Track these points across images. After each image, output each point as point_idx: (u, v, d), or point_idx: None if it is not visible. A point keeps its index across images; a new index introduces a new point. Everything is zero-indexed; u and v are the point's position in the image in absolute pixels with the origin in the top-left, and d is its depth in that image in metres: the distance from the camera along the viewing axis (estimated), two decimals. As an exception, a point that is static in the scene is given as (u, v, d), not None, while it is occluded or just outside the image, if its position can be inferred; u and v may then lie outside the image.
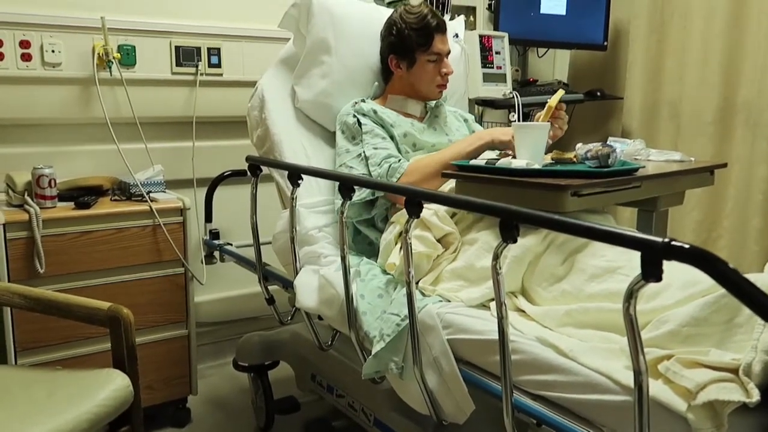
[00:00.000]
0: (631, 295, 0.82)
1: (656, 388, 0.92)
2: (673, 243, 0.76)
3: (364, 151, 1.66)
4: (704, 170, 1.67)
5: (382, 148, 1.66)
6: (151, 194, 2.01)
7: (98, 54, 2.07)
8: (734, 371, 0.91)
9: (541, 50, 3.10)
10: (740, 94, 2.43)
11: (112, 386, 1.34)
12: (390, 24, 1.82)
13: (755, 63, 2.37)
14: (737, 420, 0.87)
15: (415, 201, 1.19)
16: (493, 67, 2.57)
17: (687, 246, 0.76)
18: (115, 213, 1.89)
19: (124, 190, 2.03)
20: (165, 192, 2.12)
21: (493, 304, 1.26)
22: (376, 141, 1.68)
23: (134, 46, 2.15)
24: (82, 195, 1.92)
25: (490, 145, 1.62)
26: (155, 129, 2.24)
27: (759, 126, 2.37)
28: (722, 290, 1.00)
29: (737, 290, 0.71)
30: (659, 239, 0.78)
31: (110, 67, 2.09)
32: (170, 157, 2.26)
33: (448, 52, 1.80)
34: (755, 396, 0.85)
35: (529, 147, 1.46)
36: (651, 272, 0.79)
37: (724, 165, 1.75)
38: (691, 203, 2.51)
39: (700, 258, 0.74)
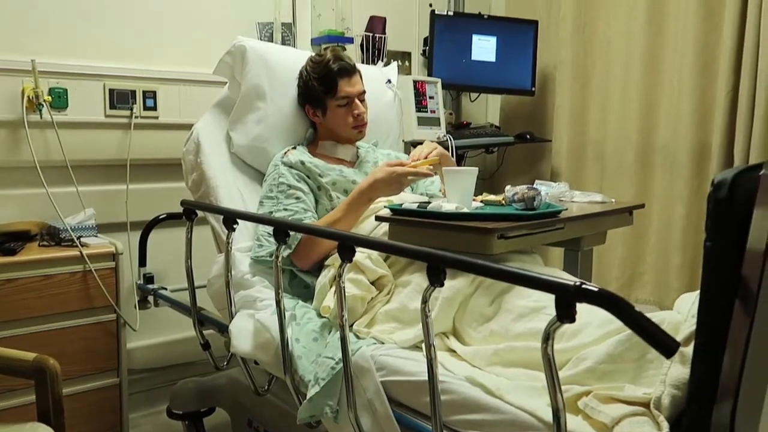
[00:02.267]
0: (548, 336, 0.87)
1: (576, 424, 0.96)
2: (584, 286, 0.81)
3: (272, 212, 1.69)
4: (623, 211, 1.77)
5: (292, 211, 1.68)
6: (81, 239, 1.97)
7: (28, 97, 2.03)
8: (646, 405, 0.96)
9: (473, 94, 3.22)
10: (658, 137, 2.59)
11: (35, 442, 1.29)
12: (299, 75, 1.87)
13: (670, 107, 2.54)
14: (650, 452, 0.92)
15: (347, 245, 1.22)
16: (427, 111, 2.66)
17: (596, 289, 0.81)
18: (43, 259, 1.84)
19: (53, 236, 1.98)
20: (97, 236, 2.08)
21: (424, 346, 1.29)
22: (289, 202, 1.70)
23: (66, 89, 2.13)
24: (7, 241, 1.87)
25: (372, 193, 1.63)
26: (87, 172, 2.20)
27: (675, 167, 2.53)
28: (634, 328, 1.07)
29: (640, 329, 0.77)
30: (571, 282, 0.83)
31: (41, 110, 2.06)
32: (103, 201, 2.22)
33: (360, 93, 1.83)
34: (665, 429, 0.90)
35: (459, 191, 1.52)
36: (565, 314, 0.84)
37: (642, 206, 1.86)
38: (617, 241, 2.63)
39: (607, 300, 0.80)
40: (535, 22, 3.00)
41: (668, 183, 2.55)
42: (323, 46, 2.58)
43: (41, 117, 2.06)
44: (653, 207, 2.56)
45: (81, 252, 1.88)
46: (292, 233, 1.59)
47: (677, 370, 0.94)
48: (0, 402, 1.77)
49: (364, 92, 1.85)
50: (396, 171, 1.60)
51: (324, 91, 1.80)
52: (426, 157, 1.68)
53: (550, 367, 0.87)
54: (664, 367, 0.97)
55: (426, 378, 1.11)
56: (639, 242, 2.64)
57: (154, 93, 2.30)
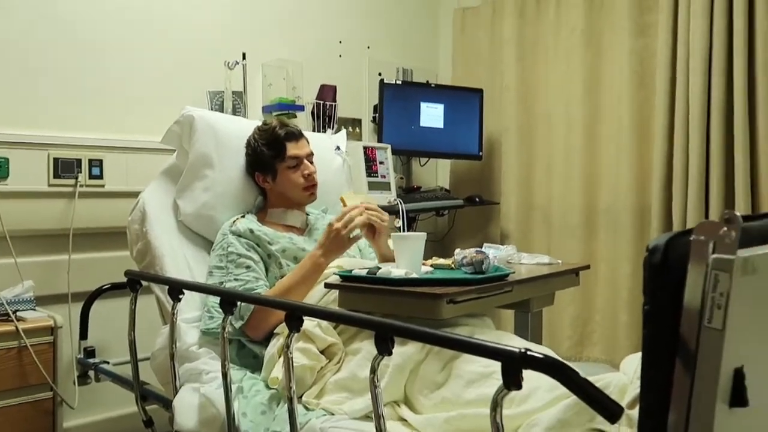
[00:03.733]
0: (496, 404, 0.86)
1: (529, 494, 0.95)
2: (529, 353, 0.82)
3: (223, 282, 1.67)
4: (570, 272, 1.80)
5: (244, 281, 1.67)
6: (18, 313, 1.88)
7: (-34, 167, 1.98)
8: (598, 471, 0.96)
9: (423, 159, 3.29)
10: (600, 200, 2.69)
11: None
12: (247, 144, 1.89)
13: (610, 171, 2.64)
14: None
15: (295, 315, 1.20)
16: (377, 176, 2.70)
17: (541, 356, 0.82)
18: (-25, 335, 1.75)
19: (-13, 310, 1.89)
20: (35, 309, 1.99)
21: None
22: (239, 271, 1.68)
23: (7, 159, 2.08)
24: (-63, 316, 1.77)
25: (320, 257, 1.63)
26: (28, 242, 2.13)
27: (619, 228, 2.61)
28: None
29: (585, 395, 0.77)
30: (516, 350, 0.83)
31: (-21, 180, 2.00)
32: (43, 271, 2.15)
33: (308, 154, 1.86)
34: (616, 494, 0.90)
35: (408, 256, 1.53)
36: (512, 381, 0.84)
37: (587, 267, 1.90)
38: (567, 300, 2.67)
39: (552, 367, 0.80)
40: (480, 91, 3.11)
41: (612, 243, 2.63)
42: (275, 113, 2.61)
43: (-21, 187, 2.00)
44: (599, 267, 2.62)
45: (17, 327, 1.80)
46: (242, 304, 1.56)
47: (625, 433, 0.94)
48: None
49: (312, 154, 1.87)
50: (333, 226, 1.62)
51: (273, 155, 1.81)
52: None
53: (498, 436, 0.86)
54: (613, 430, 0.97)
55: (377, 450, 1.09)
56: (588, 302, 2.69)
57: (101, 161, 2.27)
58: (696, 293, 0.83)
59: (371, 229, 1.73)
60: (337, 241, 1.63)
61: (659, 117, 2.45)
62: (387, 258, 1.76)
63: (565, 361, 0.84)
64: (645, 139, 2.53)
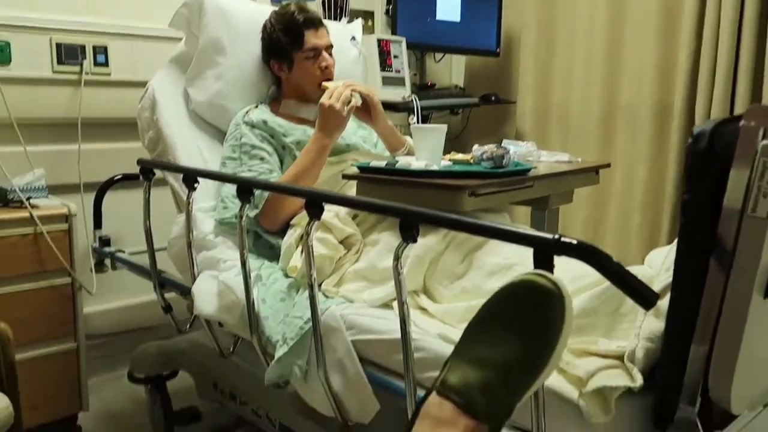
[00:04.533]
0: (525, 290, 0.85)
1: (551, 378, 0.95)
2: (563, 239, 0.80)
3: (236, 173, 1.64)
4: (590, 170, 1.77)
5: (257, 172, 1.63)
6: (31, 200, 1.87)
7: (-32, 50, 1.90)
8: (620, 358, 0.96)
9: (438, 55, 3.17)
10: (621, 97, 2.61)
11: (-11, 408, 1.23)
12: (263, 29, 1.80)
13: (633, 67, 2.54)
14: (625, 404, 0.92)
15: (315, 203, 1.18)
16: (392, 71, 2.61)
17: (575, 242, 0.80)
18: (-10, 221, 1.75)
19: (0, 197, 1.88)
20: (47, 198, 1.98)
21: (395, 303, 1.27)
22: (253, 162, 1.65)
23: (9, 42, 2.00)
24: (-49, 202, 1.77)
25: (322, 136, 1.60)
26: (36, 131, 2.09)
27: (638, 129, 2.55)
28: (608, 282, 1.07)
29: (620, 281, 0.76)
30: (550, 236, 0.82)
31: (-18, 64, 1.93)
32: (54, 161, 2.12)
33: (327, 46, 1.77)
34: (639, 381, 0.91)
35: (427, 149, 1.49)
36: (543, 268, 0.82)
37: (608, 165, 1.87)
38: (580, 201, 2.65)
39: (586, 252, 0.78)
40: (500, -19, 2.95)
41: (630, 144, 2.58)
42: (284, 1, 2.49)
43: (-17, 71, 1.94)
44: (616, 167, 2.58)
45: (31, 213, 1.79)
46: (257, 193, 1.54)
47: (651, 323, 0.94)
48: (-51, 369, 1.69)
49: (331, 46, 1.79)
50: (324, 104, 1.58)
51: (290, 42, 1.73)
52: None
53: (527, 321, 0.85)
54: (638, 320, 0.97)
55: (397, 336, 1.10)
56: (601, 203, 2.67)
57: (105, 48, 2.18)
58: (741, 182, 0.80)
59: (366, 110, 1.69)
60: (333, 117, 1.58)
61: (688, 10, 2.33)
62: (390, 138, 1.73)
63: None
64: (671, 33, 2.41)
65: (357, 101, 1.66)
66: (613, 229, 2.64)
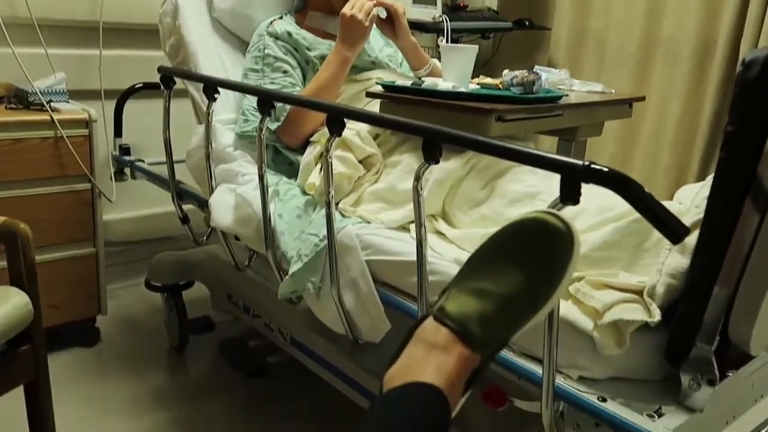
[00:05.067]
0: (548, 218, 0.82)
1: (566, 308, 0.94)
2: (593, 166, 0.76)
3: (260, 84, 1.59)
4: (623, 102, 1.70)
5: (280, 85, 1.59)
6: (52, 104, 1.85)
7: (-12, -57, 1.84)
8: (639, 293, 0.94)
9: (472, -27, 3.03)
10: (663, 28, 2.48)
11: (8, 304, 1.26)
12: None
13: (678, -3, 2.41)
14: (639, 339, 0.91)
15: (337, 118, 1.14)
16: (423, -12, 2.50)
17: (606, 169, 0.76)
18: (12, 122, 1.74)
19: (21, 98, 1.86)
20: (68, 102, 1.96)
21: (412, 226, 1.26)
22: (276, 75, 1.60)
23: (27, -64, 1.93)
24: (-28, 100, 1.75)
25: (343, 48, 1.54)
26: (57, 33, 2.05)
27: (677, 62, 2.43)
28: (634, 216, 1.03)
29: (650, 213, 0.73)
30: (579, 162, 0.78)
31: (2, -40, 1.87)
32: (74, 66, 2.09)
33: None
34: (657, 316, 0.89)
35: (456, 69, 1.44)
36: (569, 195, 0.79)
37: (643, 98, 1.79)
38: (607, 135, 2.57)
39: (617, 181, 0.75)
40: None
41: (668, 78, 2.47)
42: None
43: (3, -33, 1.88)
44: (649, 102, 2.48)
45: (52, 117, 1.78)
46: (278, 106, 1.51)
47: (675, 259, 0.91)
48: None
49: None
50: (345, 14, 1.52)
51: None
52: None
53: (547, 249, 0.83)
54: (661, 255, 0.94)
55: (412, 258, 1.09)
56: (630, 138, 2.59)
57: (127, -53, 2.11)
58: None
59: (389, 24, 1.62)
60: (355, 27, 1.52)
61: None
62: (413, 55, 1.66)
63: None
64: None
65: (380, 13, 1.58)
66: (640, 167, 2.57)
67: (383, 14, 1.61)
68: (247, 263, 1.61)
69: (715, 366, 0.85)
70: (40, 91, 1.84)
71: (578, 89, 1.74)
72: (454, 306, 0.75)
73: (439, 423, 0.68)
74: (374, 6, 1.55)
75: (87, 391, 1.80)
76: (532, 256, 0.75)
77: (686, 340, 0.87)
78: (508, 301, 0.75)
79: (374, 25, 1.60)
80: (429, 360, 0.72)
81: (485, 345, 0.74)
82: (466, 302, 0.75)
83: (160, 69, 1.65)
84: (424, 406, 0.68)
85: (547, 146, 2.54)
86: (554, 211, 0.77)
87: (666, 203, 1.06)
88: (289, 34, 1.64)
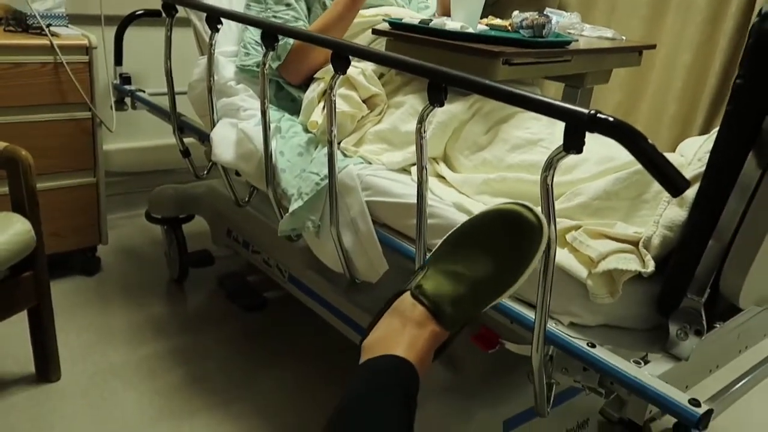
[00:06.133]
0: (550, 165, 0.82)
1: (562, 256, 0.96)
2: (599, 115, 0.76)
3: (263, 17, 1.55)
4: (634, 50, 1.67)
5: (282, 19, 1.55)
6: (51, 27, 1.82)
7: None
8: (635, 244, 0.95)
9: None
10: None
11: (11, 230, 1.27)
12: None
13: (697, -56, 2.33)
14: (631, 288, 0.92)
15: (342, 55, 1.13)
16: None
17: (612, 119, 0.76)
18: (10, 45, 1.71)
19: (19, 21, 1.82)
20: (68, 27, 1.92)
21: (413, 169, 1.26)
22: (279, 8, 1.56)
23: None
24: (-31, 20, 1.72)
25: None
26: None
27: (690, 11, 2.37)
28: (635, 167, 1.03)
29: (651, 164, 0.73)
30: (585, 111, 0.77)
31: None
32: (74, -12, 2.03)
33: None
34: (650, 267, 0.90)
35: (465, 9, 1.41)
36: (573, 143, 0.79)
37: (653, 46, 1.76)
38: (614, 84, 2.53)
39: (621, 131, 0.75)
40: None
41: (679, 28, 2.41)
42: None
43: None
44: (659, 51, 2.44)
45: (51, 41, 1.75)
46: (281, 42, 1.48)
47: (673, 211, 0.92)
48: (-28, 191, 1.74)
49: None
50: None
51: None
52: None
53: (547, 196, 0.83)
54: (659, 207, 0.95)
55: (412, 201, 1.09)
56: (637, 88, 2.56)
57: None
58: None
59: None
60: None
61: None
62: (448, 5, 1.63)
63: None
64: None
65: None
66: (645, 118, 2.55)
67: None
68: (247, 199, 1.62)
69: (704, 317, 0.87)
70: (38, 14, 1.80)
71: (588, 34, 1.71)
72: (431, 285, 0.84)
73: (410, 392, 0.78)
74: None
75: (88, 318, 1.84)
76: (504, 245, 0.84)
77: (677, 291, 0.88)
78: (479, 285, 0.84)
79: None
80: (404, 333, 0.82)
81: (455, 323, 0.85)
82: (442, 283, 0.85)
83: (162, -3, 1.61)
84: (397, 377, 0.78)
85: (552, 93, 2.51)
86: (529, 205, 0.84)
87: (668, 155, 1.07)
88: (295, -35, 1.59)
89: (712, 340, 0.95)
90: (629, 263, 0.90)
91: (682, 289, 0.88)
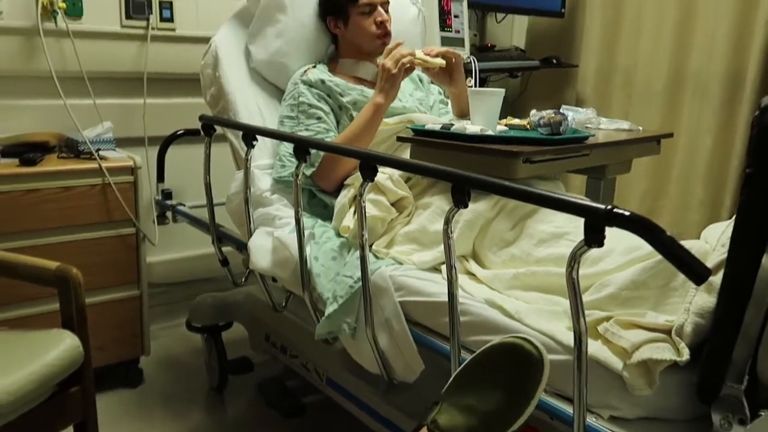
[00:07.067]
0: (574, 260, 0.85)
1: (595, 348, 0.96)
2: (615, 210, 0.79)
3: (296, 130, 1.66)
4: (651, 139, 1.72)
5: (314, 131, 1.66)
6: (100, 152, 1.96)
7: (42, 3, 1.97)
8: (668, 332, 0.96)
9: (500, 15, 3.10)
10: (691, 64, 2.50)
11: (61, 346, 1.32)
12: None
13: (705, 32, 2.43)
14: (668, 378, 0.92)
15: (369, 165, 1.20)
16: (451, 31, 2.57)
17: (628, 213, 0.79)
18: (63, 171, 1.84)
19: (71, 147, 1.97)
20: (115, 150, 2.07)
21: (444, 267, 1.29)
22: (310, 122, 1.67)
23: (81, -4, 2.07)
24: (27, 151, 1.86)
25: (378, 93, 1.60)
26: (104, 84, 2.17)
27: (706, 97, 2.44)
28: (660, 256, 1.05)
29: (671, 255, 0.75)
30: (602, 206, 0.81)
31: (55, 18, 2.00)
32: (120, 114, 2.20)
33: (383, 2, 1.76)
34: (685, 355, 0.90)
35: (483, 113, 1.48)
36: (594, 238, 0.82)
37: (671, 135, 1.81)
38: (639, 171, 2.58)
39: (639, 225, 0.77)
40: (569, -62, 2.84)
41: (697, 113, 2.48)
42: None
43: (56, 25, 2.01)
44: (679, 138, 2.49)
45: (100, 165, 1.88)
46: (313, 152, 1.57)
47: (702, 298, 0.93)
48: (25, 309, 1.82)
49: (387, 2, 1.78)
50: (384, 65, 1.58)
51: None
52: (436, 55, 1.65)
53: (574, 290, 0.86)
54: (689, 295, 0.96)
55: (444, 299, 1.12)
56: (662, 174, 2.59)
57: (171, 3, 2.23)
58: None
59: (446, 72, 1.68)
60: (386, 76, 1.59)
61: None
62: (464, 101, 1.71)
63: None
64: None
65: (440, 63, 1.66)
66: (672, 203, 2.57)
67: (443, 63, 1.67)
68: (284, 304, 1.66)
69: (746, 405, 0.86)
70: (89, 140, 1.95)
71: (606, 127, 1.77)
72: (445, 419, 0.92)
73: None
74: (414, 56, 1.61)
75: (131, 431, 1.85)
76: (510, 377, 0.92)
77: (715, 379, 0.88)
78: (490, 416, 0.91)
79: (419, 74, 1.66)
80: None
81: None
82: (455, 416, 0.92)
83: (201, 117, 1.74)
84: None
85: (577, 184, 2.56)
86: (529, 337, 0.92)
87: (692, 242, 1.09)
88: (322, 81, 1.71)
89: (759, 429, 0.93)
90: (664, 352, 0.91)
91: (719, 377, 0.87)
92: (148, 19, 2.18)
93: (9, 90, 2.05)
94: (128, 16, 2.16)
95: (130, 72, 2.22)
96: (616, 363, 0.93)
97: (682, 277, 1.04)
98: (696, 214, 2.47)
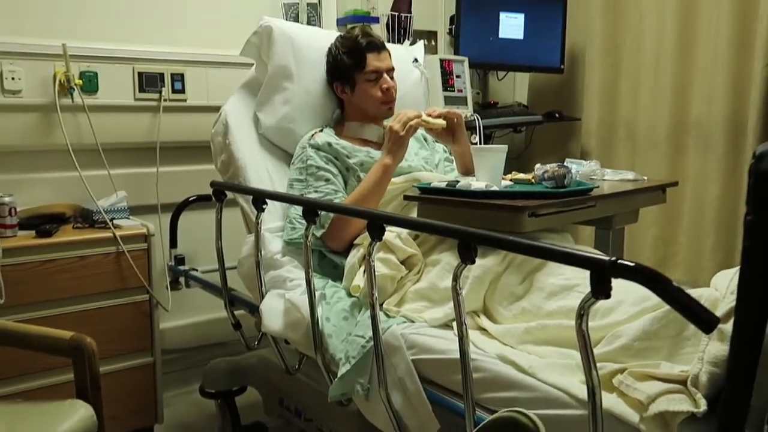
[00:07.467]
0: (582, 313, 0.86)
1: (610, 401, 0.95)
2: (620, 261, 0.80)
3: (303, 194, 1.70)
4: (656, 189, 1.74)
5: (323, 193, 1.70)
6: (114, 221, 2.00)
7: (60, 81, 2.06)
8: (683, 383, 0.95)
9: (501, 73, 3.18)
10: (691, 114, 2.53)
11: (75, 417, 1.32)
12: (328, 52, 1.88)
13: (704, 82, 2.47)
14: (686, 429, 0.90)
15: (377, 224, 1.22)
16: (454, 90, 2.63)
17: (632, 264, 0.80)
18: (78, 241, 1.87)
19: (86, 218, 2.01)
20: (129, 218, 2.11)
21: (455, 324, 1.29)
22: (319, 184, 1.71)
23: (96, 73, 2.15)
24: (43, 223, 1.90)
25: (386, 156, 1.65)
26: (118, 155, 2.23)
27: (709, 144, 2.47)
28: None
29: (679, 304, 0.75)
30: (606, 258, 0.82)
31: (72, 94, 2.08)
32: (134, 183, 2.25)
33: (389, 69, 1.83)
34: (702, 406, 0.89)
35: (487, 169, 1.51)
36: (600, 289, 0.83)
37: (675, 183, 1.82)
38: (649, 220, 2.58)
39: (644, 275, 0.78)
40: (564, -1, 2.94)
41: (701, 161, 2.50)
42: (349, 25, 2.56)
43: (72, 101, 2.09)
44: (686, 186, 2.50)
45: (114, 234, 1.91)
46: (323, 213, 1.60)
47: (715, 347, 0.92)
48: (39, 380, 1.82)
49: (392, 69, 1.84)
50: (392, 128, 1.63)
51: (353, 65, 1.80)
52: (438, 116, 1.71)
53: (584, 343, 0.86)
54: (701, 344, 0.95)
55: (457, 356, 1.11)
56: (672, 222, 2.59)
57: (182, 76, 2.31)
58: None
59: (449, 131, 1.72)
60: (393, 138, 1.64)
61: (763, 22, 2.25)
62: (468, 159, 1.75)
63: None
64: (745, 46, 2.34)
65: (441, 123, 1.72)
66: (683, 250, 2.56)
67: (444, 124, 1.73)
68: (297, 366, 1.65)
69: (768, 456, 0.84)
70: (103, 210, 1.99)
71: (610, 178, 1.79)
72: None
73: None
74: (421, 118, 1.67)
75: (144, 501, 1.82)
76: None
77: (734, 428, 0.86)
78: None
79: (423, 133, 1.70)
80: None
81: None
82: None
83: (213, 184, 1.78)
84: None
85: (587, 235, 2.56)
86: (525, 411, 0.90)
87: (702, 290, 1.09)
88: (329, 144, 1.76)
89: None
90: (680, 404, 0.90)
91: (738, 427, 0.86)
92: (160, 92, 2.26)
93: (27, 164, 2.11)
94: (141, 90, 2.24)
95: (143, 142, 2.28)
96: (632, 416, 0.92)
97: (693, 326, 1.04)
98: (709, 261, 2.46)
